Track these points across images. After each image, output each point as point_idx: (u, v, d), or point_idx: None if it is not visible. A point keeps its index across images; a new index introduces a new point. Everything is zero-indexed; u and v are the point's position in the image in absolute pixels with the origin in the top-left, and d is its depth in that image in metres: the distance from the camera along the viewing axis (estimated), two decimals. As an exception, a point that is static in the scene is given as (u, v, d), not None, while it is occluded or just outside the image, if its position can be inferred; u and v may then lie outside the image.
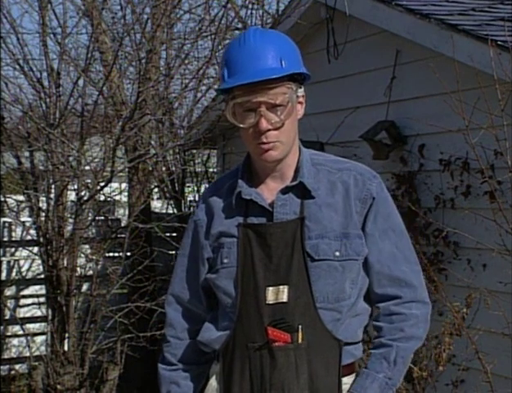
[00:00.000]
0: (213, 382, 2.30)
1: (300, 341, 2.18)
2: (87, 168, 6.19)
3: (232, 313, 2.24)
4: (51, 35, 6.45)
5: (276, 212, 2.24)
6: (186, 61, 7.87)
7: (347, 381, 2.24)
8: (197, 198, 9.16)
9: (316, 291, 2.19)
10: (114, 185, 8.15)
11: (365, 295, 2.29)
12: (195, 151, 8.76)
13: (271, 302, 2.19)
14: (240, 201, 2.27)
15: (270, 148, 2.20)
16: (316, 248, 2.21)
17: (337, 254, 2.21)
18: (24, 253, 7.55)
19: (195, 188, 9.17)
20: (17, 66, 6.39)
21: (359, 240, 2.24)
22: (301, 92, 2.25)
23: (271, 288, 2.20)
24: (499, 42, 4.34)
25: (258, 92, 2.16)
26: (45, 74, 6.30)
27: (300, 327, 2.18)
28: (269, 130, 2.18)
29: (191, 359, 2.37)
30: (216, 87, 7.22)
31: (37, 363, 6.74)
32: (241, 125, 2.21)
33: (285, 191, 2.26)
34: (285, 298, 2.19)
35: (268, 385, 2.18)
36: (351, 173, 2.28)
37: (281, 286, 2.19)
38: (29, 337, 7.42)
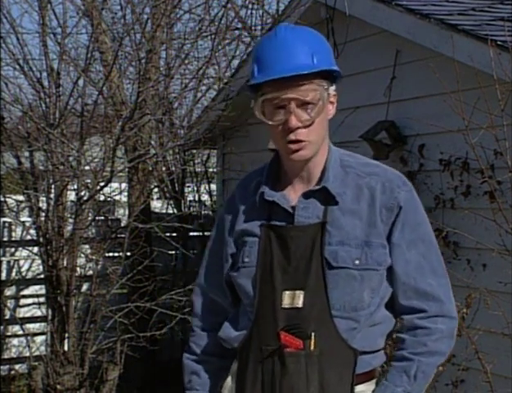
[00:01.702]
0: (229, 381, 2.29)
1: (312, 348, 2.13)
2: (87, 168, 6.19)
3: (251, 313, 2.21)
4: (51, 35, 6.45)
5: (298, 215, 2.20)
6: (186, 61, 7.88)
7: (363, 388, 2.19)
8: (197, 198, 9.18)
9: (333, 298, 2.14)
10: (114, 185, 8.14)
11: (387, 303, 2.23)
12: (194, 151, 8.76)
13: (286, 306, 2.15)
14: (264, 201, 2.24)
15: (299, 148, 2.16)
16: (335, 255, 2.15)
17: (357, 262, 2.15)
18: (24, 253, 7.55)
19: (195, 188, 9.17)
20: (17, 66, 6.39)
21: (382, 249, 2.18)
22: (332, 90, 2.21)
23: (287, 292, 2.16)
24: (499, 42, 4.34)
25: (288, 89, 2.12)
26: (45, 74, 6.30)
27: (313, 334, 2.13)
28: (298, 128, 2.14)
29: (214, 351, 2.35)
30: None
31: (37, 363, 6.73)
32: (270, 122, 2.17)
33: (307, 194, 2.22)
34: (300, 303, 2.15)
35: (278, 391, 2.15)
36: (379, 179, 2.22)
37: (297, 291, 2.15)
38: (28, 337, 7.42)
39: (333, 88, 2.21)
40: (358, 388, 2.18)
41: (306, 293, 2.15)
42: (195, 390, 2.37)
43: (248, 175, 2.41)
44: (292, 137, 2.15)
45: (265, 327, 2.18)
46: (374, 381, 2.23)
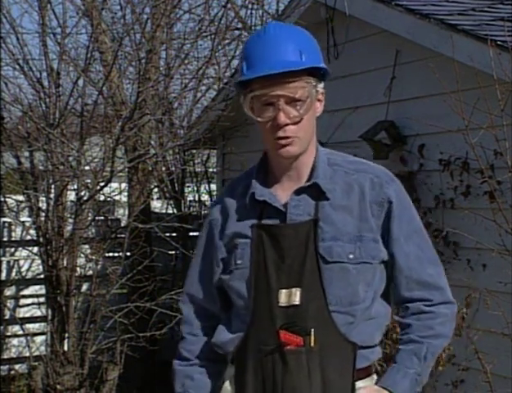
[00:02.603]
0: (227, 386, 2.28)
1: (312, 344, 2.14)
2: (87, 168, 6.19)
3: (245, 315, 2.21)
4: (51, 35, 6.46)
5: (290, 213, 2.21)
6: (186, 61, 7.88)
7: (361, 384, 2.20)
8: (197, 198, 9.18)
9: (330, 294, 2.15)
10: (114, 185, 8.15)
11: (383, 297, 2.26)
12: (194, 151, 8.76)
13: (283, 304, 2.16)
14: (254, 201, 2.24)
15: (288, 143, 2.18)
16: (330, 250, 2.17)
17: (351, 256, 2.17)
18: (24, 253, 7.55)
19: (195, 188, 9.17)
20: (17, 66, 6.39)
21: (374, 244, 2.20)
22: (321, 88, 2.22)
23: (283, 290, 2.17)
24: (499, 43, 4.34)
25: (276, 86, 2.13)
26: (45, 74, 6.30)
27: (312, 330, 2.14)
28: (287, 124, 2.16)
29: (207, 355, 2.34)
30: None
31: (36, 363, 6.73)
32: (259, 119, 2.19)
33: (298, 191, 2.23)
34: (297, 301, 2.15)
35: (280, 389, 2.15)
36: (367, 176, 2.25)
37: (294, 289, 2.16)
38: (28, 337, 7.42)
39: (321, 85, 2.23)
40: (357, 384, 2.19)
41: (302, 290, 2.16)
42: None
43: (234, 180, 2.42)
44: (281, 133, 2.17)
45: (262, 327, 2.18)
46: (371, 377, 2.24)
